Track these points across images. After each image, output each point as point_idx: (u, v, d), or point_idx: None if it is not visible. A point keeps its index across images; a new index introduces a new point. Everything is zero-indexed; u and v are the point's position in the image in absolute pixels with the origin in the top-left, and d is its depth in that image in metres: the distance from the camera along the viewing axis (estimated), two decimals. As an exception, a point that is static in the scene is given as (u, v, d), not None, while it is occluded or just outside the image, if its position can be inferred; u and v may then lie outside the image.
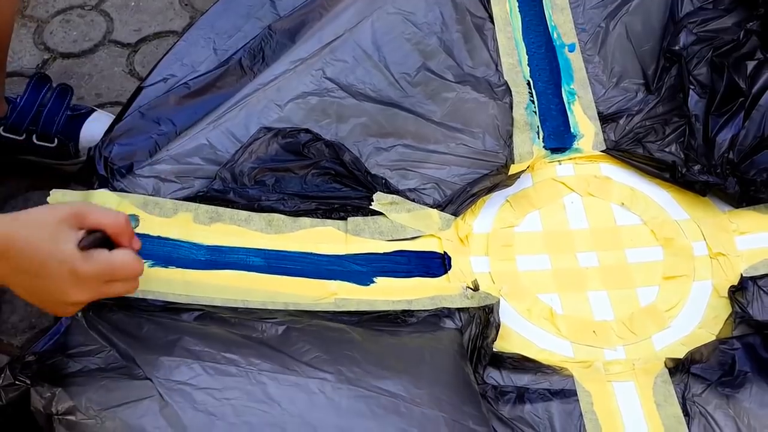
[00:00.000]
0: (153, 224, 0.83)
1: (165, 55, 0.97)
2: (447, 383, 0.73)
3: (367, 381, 0.70)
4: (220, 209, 0.86)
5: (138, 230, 0.81)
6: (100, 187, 0.84)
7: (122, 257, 0.64)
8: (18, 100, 1.09)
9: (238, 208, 0.86)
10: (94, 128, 1.09)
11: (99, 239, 0.64)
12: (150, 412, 0.66)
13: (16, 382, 0.66)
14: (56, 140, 1.09)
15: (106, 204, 0.82)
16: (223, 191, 0.86)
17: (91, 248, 0.63)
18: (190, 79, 0.94)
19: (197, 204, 0.85)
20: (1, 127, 1.09)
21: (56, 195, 0.82)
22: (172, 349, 0.70)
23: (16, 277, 0.63)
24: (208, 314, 0.76)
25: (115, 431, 0.65)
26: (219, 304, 0.78)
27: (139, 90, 0.94)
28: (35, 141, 1.09)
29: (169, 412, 0.66)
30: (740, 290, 0.84)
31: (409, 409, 0.69)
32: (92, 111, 1.12)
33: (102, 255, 0.63)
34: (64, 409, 0.65)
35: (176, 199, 0.85)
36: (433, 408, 0.70)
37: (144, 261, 0.79)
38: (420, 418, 0.69)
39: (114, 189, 0.85)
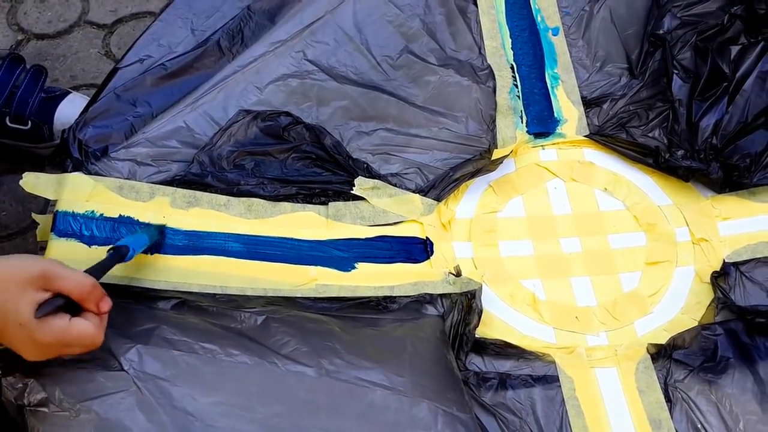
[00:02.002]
0: (129, 209, 0.81)
1: (141, 35, 0.95)
2: (429, 371, 0.72)
3: (348, 372, 0.70)
4: (198, 193, 0.84)
5: (114, 214, 0.80)
6: (74, 170, 0.83)
7: (79, 329, 0.64)
8: (-10, 82, 1.06)
9: (216, 192, 0.85)
10: (69, 110, 1.07)
11: (62, 304, 0.63)
12: (126, 405, 0.65)
13: (-13, 373, 0.64)
14: (30, 122, 1.07)
15: (81, 188, 0.81)
16: (201, 175, 0.85)
17: (51, 313, 0.63)
18: (167, 60, 0.92)
19: (174, 188, 0.84)
20: (-27, 110, 1.06)
21: (29, 178, 0.81)
22: (149, 339, 0.69)
23: None
24: (186, 302, 0.75)
25: (90, 424, 0.63)
26: (197, 290, 0.77)
27: (114, 71, 0.92)
28: (8, 123, 1.07)
29: (146, 407, 0.65)
30: (723, 276, 0.84)
31: (391, 399, 0.69)
32: (67, 93, 1.10)
33: (59, 324, 0.63)
34: (36, 400, 0.64)
35: (153, 182, 0.84)
36: (416, 396, 0.69)
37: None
38: (403, 406, 0.68)
39: (88, 172, 0.83)
